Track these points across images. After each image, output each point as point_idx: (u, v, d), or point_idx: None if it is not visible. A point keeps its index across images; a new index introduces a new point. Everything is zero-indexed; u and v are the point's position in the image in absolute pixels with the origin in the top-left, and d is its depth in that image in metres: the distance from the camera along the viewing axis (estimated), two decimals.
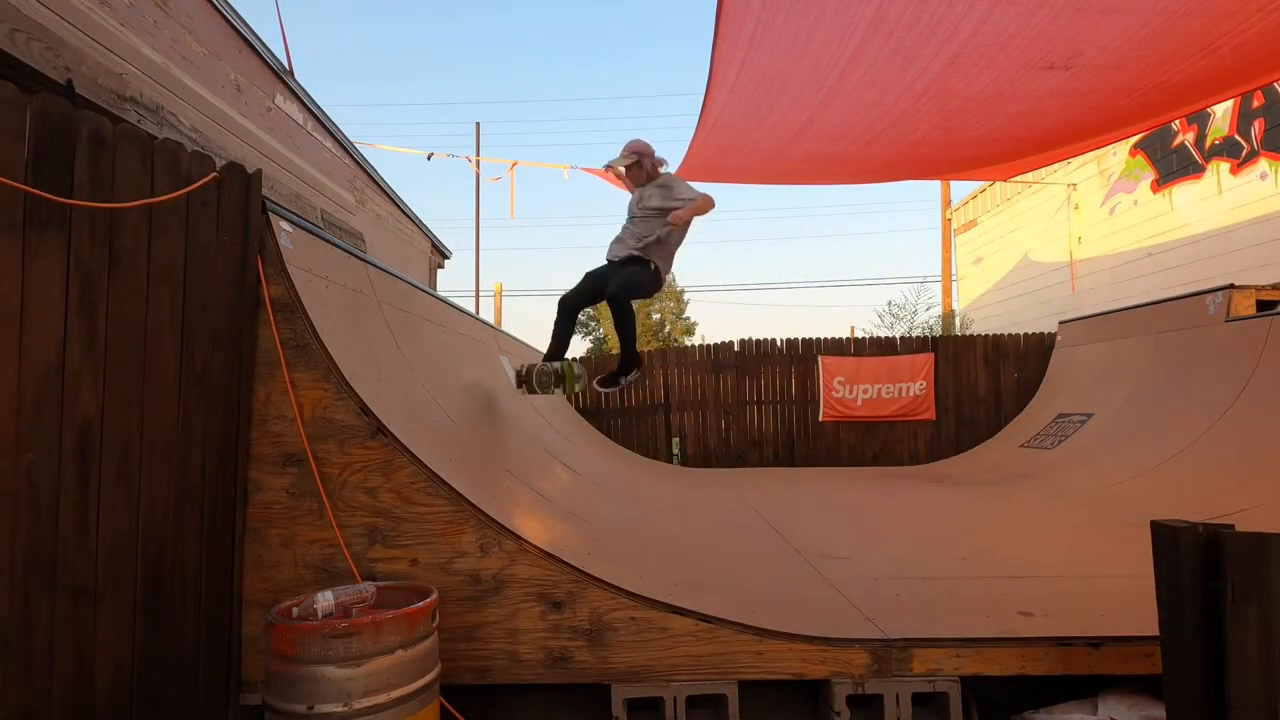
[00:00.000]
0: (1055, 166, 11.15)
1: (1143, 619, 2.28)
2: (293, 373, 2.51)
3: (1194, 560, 1.75)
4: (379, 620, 1.96)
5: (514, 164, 9.29)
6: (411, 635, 2.02)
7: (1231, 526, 1.74)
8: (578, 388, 4.46)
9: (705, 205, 4.18)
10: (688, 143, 5.22)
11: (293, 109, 5.93)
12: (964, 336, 9.50)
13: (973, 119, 4.59)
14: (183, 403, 2.28)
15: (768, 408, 9.38)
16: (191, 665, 2.27)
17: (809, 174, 6.28)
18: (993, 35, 3.49)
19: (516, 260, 72.42)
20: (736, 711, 2.41)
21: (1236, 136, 8.19)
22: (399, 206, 9.57)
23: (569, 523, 3.55)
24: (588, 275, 4.54)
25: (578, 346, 36.66)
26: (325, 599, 2.04)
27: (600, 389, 4.69)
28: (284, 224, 2.66)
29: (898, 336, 10.04)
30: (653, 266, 4.36)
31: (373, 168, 8.21)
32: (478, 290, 17.54)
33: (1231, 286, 5.95)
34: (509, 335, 7.81)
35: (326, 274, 2.94)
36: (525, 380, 4.52)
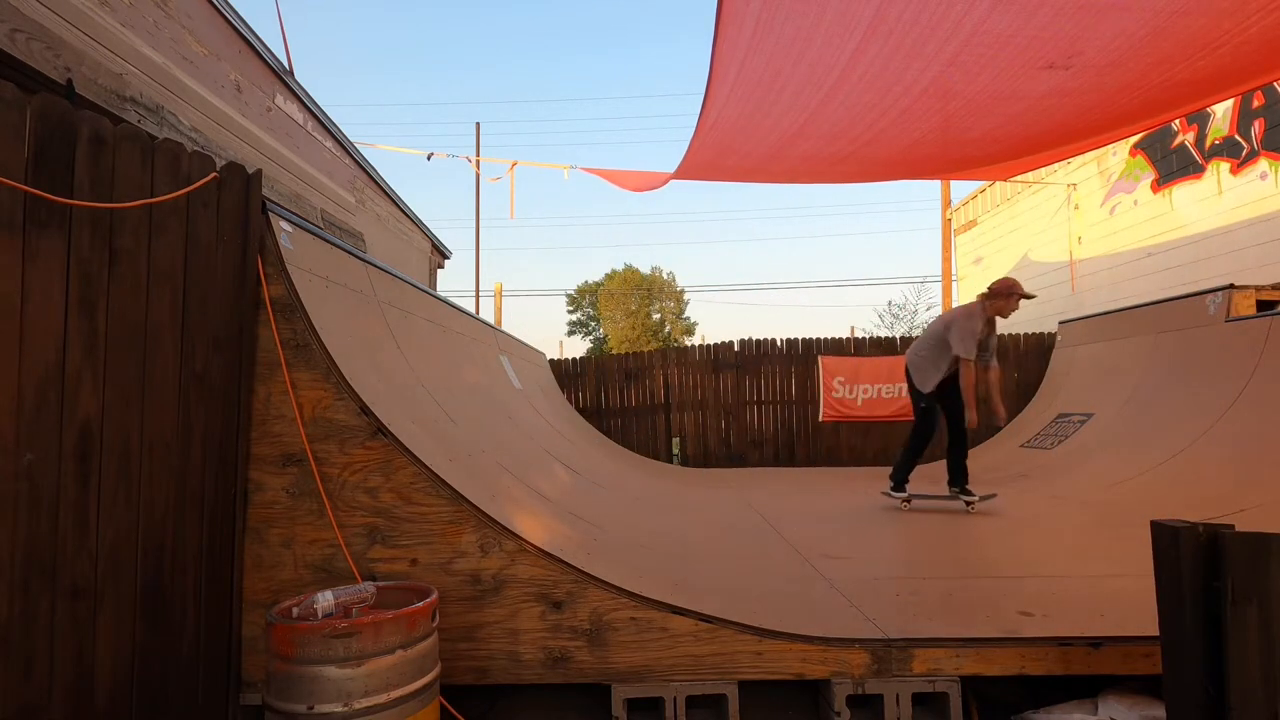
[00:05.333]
0: (1055, 166, 11.16)
1: (1143, 619, 2.28)
2: (293, 373, 2.51)
3: (1194, 560, 1.75)
4: (379, 620, 1.96)
5: (514, 164, 9.28)
6: (411, 635, 2.02)
7: (1231, 526, 1.74)
8: None
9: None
10: (687, 142, 5.22)
11: (293, 109, 5.93)
12: None
13: (973, 119, 4.58)
14: (183, 403, 2.28)
15: (768, 408, 9.38)
16: (191, 665, 2.27)
17: (809, 173, 6.27)
18: (993, 35, 3.49)
19: (516, 260, 72.45)
20: (736, 711, 2.41)
21: (1236, 136, 8.19)
22: (399, 206, 9.57)
23: (569, 523, 3.55)
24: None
25: (578, 346, 36.67)
26: (325, 599, 2.04)
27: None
28: (284, 224, 2.66)
29: (898, 336, 10.04)
30: None
31: (373, 168, 8.21)
32: (478, 290, 17.55)
33: (1231, 286, 5.95)
34: (509, 335, 7.82)
35: (326, 274, 2.94)
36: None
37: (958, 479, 5.16)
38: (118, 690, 2.06)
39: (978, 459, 8.33)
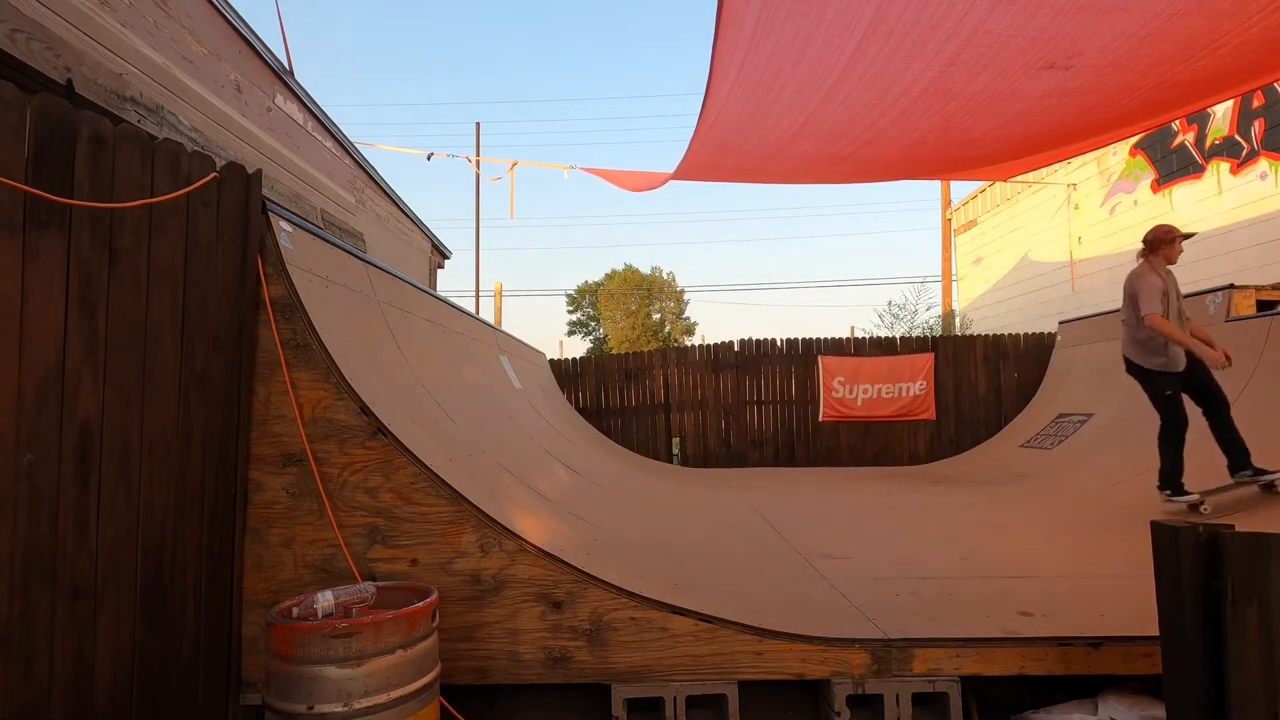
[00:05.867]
0: (1055, 166, 11.16)
1: (1143, 619, 2.28)
2: (293, 373, 2.51)
3: (1194, 560, 1.75)
4: (379, 620, 1.96)
5: (514, 164, 9.29)
6: (411, 635, 2.02)
7: (1231, 526, 1.74)
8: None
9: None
10: (687, 142, 5.22)
11: (293, 109, 5.93)
12: (964, 336, 9.50)
13: (973, 119, 4.58)
14: (183, 403, 2.28)
15: (768, 408, 9.38)
16: (191, 665, 2.27)
17: (809, 173, 6.27)
18: (993, 34, 3.49)
19: (516, 260, 72.40)
20: (736, 711, 2.41)
21: (1236, 136, 8.19)
22: (399, 206, 9.57)
23: (569, 523, 3.55)
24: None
25: (578, 346, 36.64)
26: (325, 599, 2.04)
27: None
28: (284, 224, 2.66)
29: (898, 336, 10.04)
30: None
31: (373, 168, 8.21)
32: (478, 290, 17.55)
33: (1231, 286, 5.95)
34: (509, 335, 7.82)
35: (326, 274, 2.94)
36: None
37: (1242, 460, 4.43)
38: (118, 690, 2.06)
39: (978, 459, 8.35)
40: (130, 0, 3.77)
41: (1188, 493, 4.49)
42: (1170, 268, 4.72)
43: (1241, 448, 4.42)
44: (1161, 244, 4.64)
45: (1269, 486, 4.34)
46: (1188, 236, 4.64)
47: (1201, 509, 4.41)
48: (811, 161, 5.58)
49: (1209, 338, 4.61)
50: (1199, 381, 4.54)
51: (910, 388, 9.13)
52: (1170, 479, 4.57)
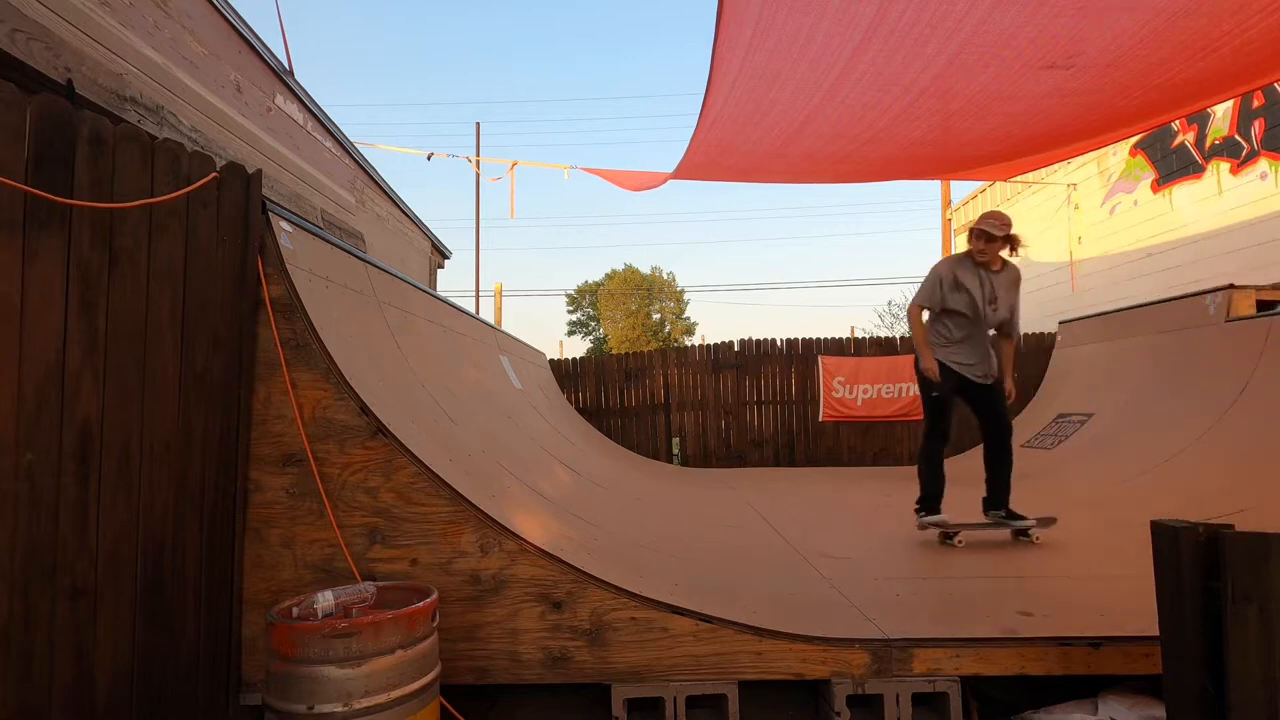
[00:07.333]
0: (1055, 166, 11.15)
1: (1143, 619, 2.28)
2: (293, 373, 2.51)
3: (1194, 560, 1.75)
4: (379, 620, 1.96)
5: (514, 164, 9.29)
6: (411, 635, 2.02)
7: (1231, 526, 1.74)
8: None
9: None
10: (688, 141, 5.22)
11: (293, 109, 5.93)
12: None
13: (973, 119, 4.58)
14: (183, 403, 2.28)
15: (768, 408, 9.39)
16: (191, 665, 2.27)
17: (809, 173, 6.27)
18: (993, 34, 3.49)
19: (516, 260, 72.45)
20: (736, 711, 2.41)
21: (1236, 136, 8.19)
22: (399, 206, 9.57)
23: (569, 522, 3.55)
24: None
25: (578, 347, 36.60)
26: (325, 599, 2.04)
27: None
28: (284, 224, 2.66)
29: (898, 336, 10.04)
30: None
31: (373, 168, 8.21)
32: (478, 290, 17.54)
33: (1231, 286, 5.95)
34: (509, 335, 7.82)
35: (326, 274, 2.94)
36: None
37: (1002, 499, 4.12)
38: (118, 690, 2.06)
39: (978, 459, 8.34)
40: (130, 0, 3.77)
41: (933, 514, 4.07)
42: (1016, 261, 4.11)
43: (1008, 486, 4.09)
44: (971, 235, 4.02)
45: (1022, 533, 4.07)
46: (991, 236, 3.87)
47: (955, 541, 4.04)
48: (811, 160, 5.59)
49: (1008, 361, 4.17)
50: (987, 410, 4.10)
51: (910, 388, 9.12)
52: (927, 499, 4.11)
